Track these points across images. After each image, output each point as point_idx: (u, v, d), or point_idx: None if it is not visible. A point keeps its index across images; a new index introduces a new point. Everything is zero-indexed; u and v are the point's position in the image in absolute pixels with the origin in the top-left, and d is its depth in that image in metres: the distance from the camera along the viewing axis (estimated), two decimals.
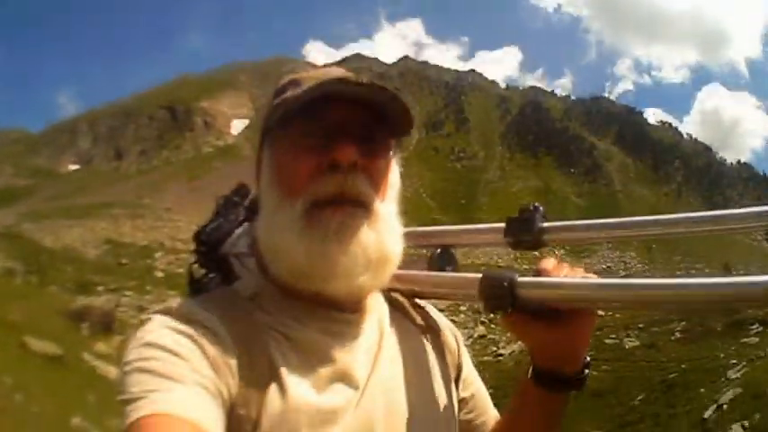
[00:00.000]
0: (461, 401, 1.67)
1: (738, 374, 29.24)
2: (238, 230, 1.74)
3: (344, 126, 1.38)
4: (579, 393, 1.52)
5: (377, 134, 1.43)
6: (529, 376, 1.55)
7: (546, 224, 1.56)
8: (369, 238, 1.36)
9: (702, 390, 28.68)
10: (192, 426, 1.11)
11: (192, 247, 1.77)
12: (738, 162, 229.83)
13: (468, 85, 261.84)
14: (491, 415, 1.75)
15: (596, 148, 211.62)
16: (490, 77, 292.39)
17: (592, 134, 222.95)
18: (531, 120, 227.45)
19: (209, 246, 1.75)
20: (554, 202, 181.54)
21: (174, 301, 1.34)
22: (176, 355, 1.19)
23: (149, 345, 1.20)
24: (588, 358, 1.53)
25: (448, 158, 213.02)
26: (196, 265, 1.73)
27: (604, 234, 1.55)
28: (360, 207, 1.37)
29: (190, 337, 1.23)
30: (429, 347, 1.58)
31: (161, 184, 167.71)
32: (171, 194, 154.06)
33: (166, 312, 1.26)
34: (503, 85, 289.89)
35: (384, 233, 1.40)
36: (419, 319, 1.61)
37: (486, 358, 53.26)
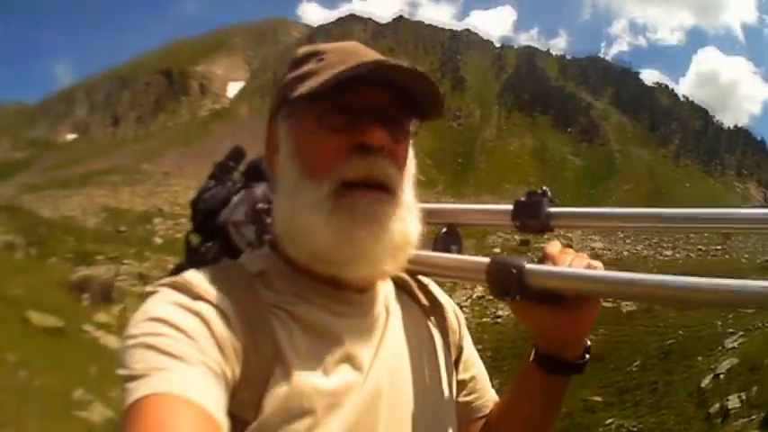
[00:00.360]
0: (461, 383, 1.66)
1: (735, 344, 29.56)
2: (235, 198, 1.74)
3: (372, 107, 1.34)
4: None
5: (401, 117, 1.40)
6: (530, 359, 1.54)
7: (553, 209, 1.54)
8: (394, 223, 1.34)
9: (700, 358, 29.40)
10: (195, 408, 1.08)
11: (189, 214, 1.77)
12: (736, 127, 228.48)
13: (463, 45, 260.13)
14: (489, 397, 1.75)
15: (593, 108, 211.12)
16: (485, 37, 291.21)
17: (588, 94, 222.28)
18: (527, 79, 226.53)
19: (205, 214, 1.73)
20: (551, 161, 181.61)
21: (183, 275, 0.97)
22: (183, 332, 1.15)
23: (155, 320, 1.16)
24: (589, 342, 1.52)
25: (444, 118, 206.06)
26: (193, 234, 1.74)
27: (612, 223, 1.54)
28: (386, 192, 1.34)
29: (197, 314, 1.19)
30: (432, 328, 1.56)
31: (158, 149, 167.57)
32: (169, 159, 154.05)
33: (174, 286, 1.24)
34: (498, 45, 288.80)
35: (407, 219, 1.39)
36: (423, 299, 1.59)
37: (485, 320, 53.78)
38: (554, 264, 1.38)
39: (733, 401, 21.36)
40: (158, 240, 70.50)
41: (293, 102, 1.39)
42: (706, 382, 25.00)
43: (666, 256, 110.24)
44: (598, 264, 1.38)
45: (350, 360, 1.34)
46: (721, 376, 24.81)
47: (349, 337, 1.35)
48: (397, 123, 1.40)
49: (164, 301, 1.21)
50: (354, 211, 1.30)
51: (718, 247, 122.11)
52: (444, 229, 1.68)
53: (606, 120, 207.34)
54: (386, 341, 1.43)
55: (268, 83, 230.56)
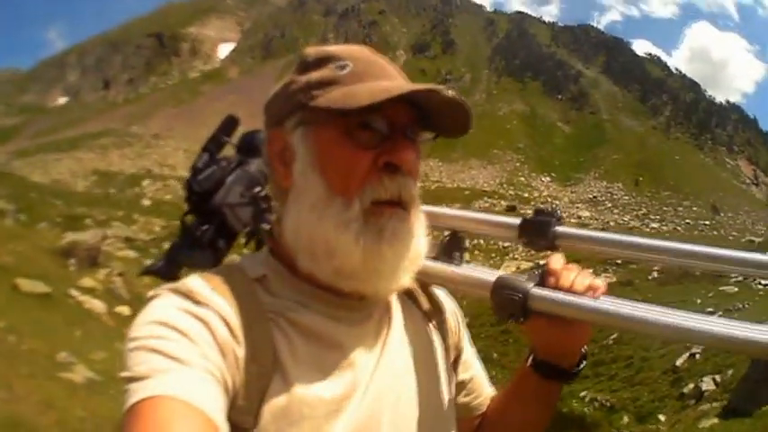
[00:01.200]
0: (460, 384, 1.74)
1: None
2: (230, 177, 1.76)
3: (401, 125, 1.36)
4: None
5: (419, 132, 1.43)
6: (528, 364, 1.61)
7: (561, 229, 1.59)
8: (412, 241, 1.37)
9: None
10: (196, 412, 1.06)
11: (184, 194, 1.79)
12: (728, 102, 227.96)
13: (454, 8, 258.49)
14: (486, 395, 1.84)
15: (583, 76, 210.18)
16: (476, 1, 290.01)
17: (579, 62, 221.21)
18: (518, 44, 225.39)
19: (201, 196, 1.74)
20: (540, 127, 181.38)
21: (185, 281, 1.23)
22: (186, 336, 1.14)
23: (159, 323, 1.16)
24: (585, 350, 1.59)
25: (434, 81, 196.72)
26: (189, 216, 1.76)
27: (619, 251, 1.55)
28: (407, 210, 1.37)
29: (201, 320, 1.18)
30: (432, 331, 1.64)
31: (149, 111, 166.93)
32: (158, 121, 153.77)
33: (177, 292, 1.24)
34: (489, 9, 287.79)
35: (420, 233, 1.42)
36: (424, 302, 1.67)
37: None
38: (557, 280, 1.39)
39: (707, 383, 21.35)
40: (147, 202, 70.83)
41: (314, 110, 1.35)
42: (681, 360, 24.92)
43: (653, 228, 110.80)
44: (600, 285, 1.39)
45: (351, 367, 1.34)
46: (697, 356, 24.65)
47: (350, 344, 1.36)
48: (416, 139, 1.41)
49: (167, 306, 1.21)
50: (383, 231, 1.30)
51: (707, 222, 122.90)
52: (448, 235, 1.74)
53: (596, 88, 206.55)
54: (387, 347, 1.45)
55: (259, 44, 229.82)
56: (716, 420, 17.69)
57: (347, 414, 1.31)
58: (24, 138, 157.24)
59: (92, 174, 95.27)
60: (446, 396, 1.53)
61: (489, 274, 1.22)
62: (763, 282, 35.34)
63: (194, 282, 1.07)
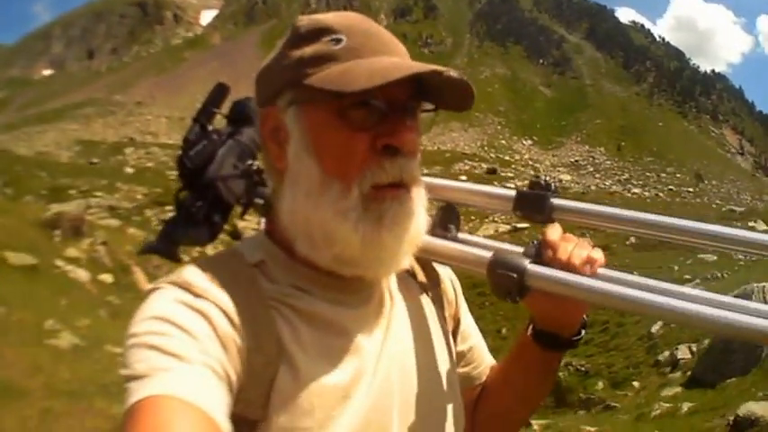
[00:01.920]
0: (459, 354, 1.73)
1: None
2: (222, 150, 1.72)
3: (399, 101, 1.31)
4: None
5: (418, 106, 1.38)
6: (528, 333, 1.61)
7: (557, 201, 1.58)
8: (412, 222, 1.35)
9: None
10: (196, 410, 1.05)
11: (176, 171, 1.75)
12: (713, 71, 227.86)
13: None
14: (486, 365, 1.84)
15: (566, 41, 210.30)
16: None
17: (561, 27, 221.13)
18: (501, 9, 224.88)
19: (193, 171, 1.70)
20: (522, 90, 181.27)
21: (182, 271, 1.21)
22: (185, 331, 1.11)
23: (158, 318, 1.13)
24: (585, 318, 1.60)
25: (416, 45, 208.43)
26: (183, 193, 1.72)
27: (614, 225, 1.55)
28: (409, 192, 1.34)
29: (200, 313, 1.15)
30: (431, 305, 1.63)
31: (131, 79, 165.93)
32: (141, 89, 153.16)
33: (175, 284, 1.21)
34: None
35: (421, 212, 1.39)
36: (420, 275, 1.66)
37: None
38: (554, 252, 1.41)
39: (683, 351, 21.49)
40: (129, 170, 70.81)
41: (308, 88, 1.30)
42: (657, 327, 25.41)
43: (635, 193, 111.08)
44: (599, 257, 1.41)
45: (357, 351, 1.33)
46: (672, 324, 24.20)
47: (354, 328, 1.36)
48: (416, 113, 1.37)
49: (166, 300, 1.17)
50: (382, 218, 1.28)
51: (690, 190, 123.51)
52: (443, 207, 1.74)
53: (579, 54, 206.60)
54: (390, 327, 1.45)
55: (241, 10, 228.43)
56: (679, 389, 17.97)
57: (357, 400, 1.29)
58: (10, 111, 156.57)
59: (75, 144, 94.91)
60: (449, 368, 1.54)
61: (485, 251, 1.31)
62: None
63: (192, 273, 1.01)
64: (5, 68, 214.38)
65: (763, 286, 17.13)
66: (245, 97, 1.78)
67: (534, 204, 1.59)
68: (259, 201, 1.64)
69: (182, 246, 1.74)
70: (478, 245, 1.43)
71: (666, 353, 22.28)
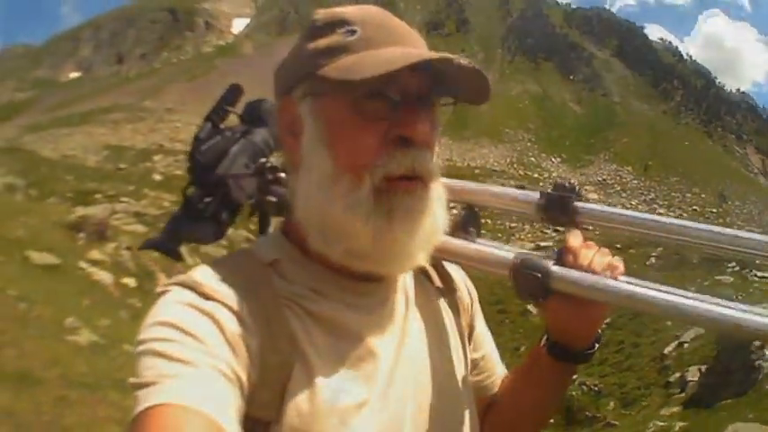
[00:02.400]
0: (472, 362, 1.72)
1: None
2: (234, 147, 1.71)
3: (413, 93, 1.29)
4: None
5: (436, 99, 1.36)
6: (542, 345, 1.60)
7: (581, 205, 1.58)
8: (429, 219, 1.32)
9: (669, 323, 28.80)
10: (204, 418, 1.03)
11: (187, 165, 1.75)
12: (738, 90, 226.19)
13: None
14: (499, 374, 1.82)
15: (596, 58, 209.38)
16: None
17: (592, 44, 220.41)
18: (532, 24, 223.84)
19: (204, 167, 1.69)
20: (552, 108, 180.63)
21: (193, 272, 1.19)
22: (192, 336, 1.08)
23: (165, 324, 1.10)
24: (599, 332, 1.59)
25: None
26: (192, 188, 1.72)
27: (639, 229, 1.54)
28: (425, 186, 1.31)
29: (209, 316, 1.11)
30: (447, 310, 1.62)
31: (161, 85, 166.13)
32: (171, 95, 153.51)
33: (185, 285, 1.17)
34: None
35: (438, 210, 1.37)
36: (437, 279, 1.65)
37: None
38: (575, 258, 1.40)
39: (692, 373, 21.41)
40: (158, 177, 70.78)
41: (321, 79, 1.30)
42: (669, 349, 25.37)
43: (660, 213, 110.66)
44: (619, 264, 1.41)
45: (372, 357, 1.31)
46: (686, 345, 25.12)
47: (369, 333, 1.33)
48: (433, 107, 1.35)
49: (173, 303, 1.15)
50: (393, 211, 1.26)
51: (714, 210, 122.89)
52: (464, 210, 1.73)
53: (609, 71, 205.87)
54: (405, 332, 1.43)
55: (274, 20, 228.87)
56: (676, 409, 18.21)
57: (373, 406, 1.28)
58: (36, 112, 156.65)
59: (103, 148, 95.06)
60: (464, 376, 1.56)
61: (507, 252, 1.47)
62: (759, 273, 35.69)
63: (202, 272, 1.04)
64: (32, 69, 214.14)
65: None
66: (258, 98, 1.82)
67: (558, 207, 1.59)
68: (272, 198, 1.65)
69: (186, 243, 1.77)
70: (500, 250, 1.43)
71: (677, 374, 22.28)
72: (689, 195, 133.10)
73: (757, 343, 16.85)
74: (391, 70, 1.19)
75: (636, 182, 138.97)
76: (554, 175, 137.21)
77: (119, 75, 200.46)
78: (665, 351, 25.18)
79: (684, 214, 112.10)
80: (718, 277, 34.82)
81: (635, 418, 19.95)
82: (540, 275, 1.25)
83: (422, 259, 1.22)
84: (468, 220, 1.66)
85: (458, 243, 1.49)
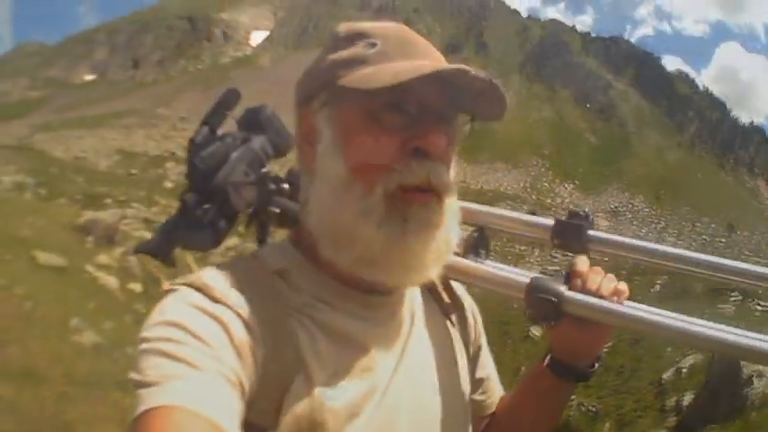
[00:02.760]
0: (476, 382, 1.72)
1: None
2: (234, 154, 1.70)
3: (431, 106, 1.29)
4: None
5: (454, 114, 1.37)
6: (545, 363, 1.61)
7: (593, 233, 1.60)
8: (443, 232, 1.31)
9: (669, 349, 29.35)
10: (205, 421, 1.02)
11: (186, 170, 1.72)
12: (752, 124, 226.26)
13: (489, 11, 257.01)
14: (498, 394, 1.84)
15: (612, 88, 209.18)
16: (512, 6, 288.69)
17: (609, 73, 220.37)
18: (551, 52, 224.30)
19: (204, 173, 1.67)
20: (568, 136, 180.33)
21: (201, 274, 1.19)
22: (199, 339, 1.07)
23: (172, 324, 1.09)
24: (601, 351, 1.61)
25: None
26: (190, 194, 1.69)
27: (648, 258, 1.58)
28: (439, 199, 1.30)
29: (216, 319, 1.10)
30: (452, 329, 1.61)
31: (177, 93, 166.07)
32: (186, 104, 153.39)
33: (193, 286, 1.16)
34: (524, 14, 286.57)
35: (451, 225, 1.36)
36: (445, 297, 1.64)
37: None
38: (584, 282, 1.41)
39: (688, 398, 21.73)
40: (169, 185, 71.05)
41: (339, 89, 1.31)
42: (668, 374, 25.47)
43: (668, 242, 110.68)
44: (625, 289, 1.43)
45: (373, 368, 1.30)
46: (683, 371, 25.15)
47: (372, 344, 1.32)
48: (450, 122, 1.36)
49: (181, 303, 1.14)
50: (407, 220, 1.25)
51: (722, 240, 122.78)
52: (476, 232, 1.74)
53: (625, 101, 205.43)
54: (408, 346, 1.42)
55: (293, 33, 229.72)
56: None
57: (366, 416, 1.28)
58: (48, 112, 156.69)
59: (115, 153, 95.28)
60: (464, 395, 1.57)
61: (520, 275, 1.51)
62: (762, 303, 35.99)
63: (211, 276, 1.04)
64: (45, 68, 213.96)
65: None
66: (257, 105, 1.82)
67: (572, 234, 1.63)
68: (274, 209, 1.66)
69: (184, 249, 1.76)
70: (512, 272, 1.47)
71: (674, 398, 22.32)
72: (699, 225, 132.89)
73: (747, 371, 17.32)
74: (404, 80, 1.20)
75: (647, 210, 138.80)
76: (566, 201, 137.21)
77: (134, 80, 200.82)
78: (664, 376, 25.22)
79: (694, 243, 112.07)
80: (720, 307, 35.25)
81: None
82: (555, 300, 1.29)
83: (433, 273, 1.22)
84: (479, 243, 1.67)
85: (471, 264, 1.52)
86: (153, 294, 18.50)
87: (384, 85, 1.21)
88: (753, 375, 17.16)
